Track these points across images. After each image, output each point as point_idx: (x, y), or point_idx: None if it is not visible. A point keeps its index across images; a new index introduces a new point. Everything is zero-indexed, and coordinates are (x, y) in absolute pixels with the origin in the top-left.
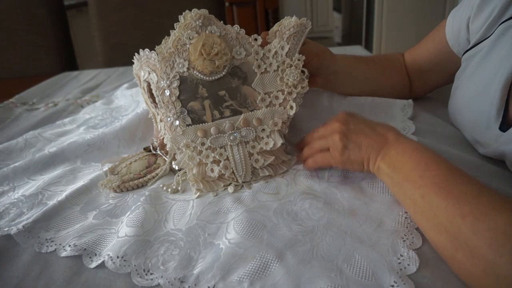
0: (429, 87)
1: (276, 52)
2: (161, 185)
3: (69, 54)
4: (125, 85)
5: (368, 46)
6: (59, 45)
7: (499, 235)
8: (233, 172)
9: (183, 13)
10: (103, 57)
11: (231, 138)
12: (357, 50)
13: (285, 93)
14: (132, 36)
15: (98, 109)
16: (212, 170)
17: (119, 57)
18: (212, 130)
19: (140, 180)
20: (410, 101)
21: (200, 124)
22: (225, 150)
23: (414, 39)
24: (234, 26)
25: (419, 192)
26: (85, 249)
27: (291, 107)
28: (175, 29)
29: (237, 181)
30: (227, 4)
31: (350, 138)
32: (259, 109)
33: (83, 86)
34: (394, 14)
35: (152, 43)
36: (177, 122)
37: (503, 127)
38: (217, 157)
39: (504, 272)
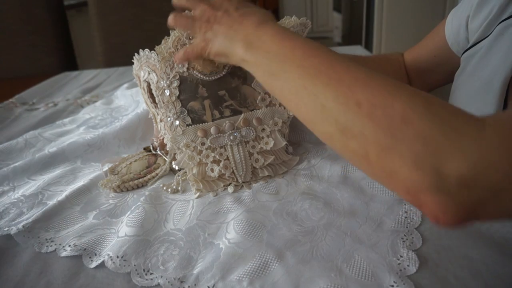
0: (429, 87)
1: None
2: (161, 185)
3: (69, 54)
4: (125, 85)
5: (368, 46)
6: (59, 45)
7: (397, 120)
8: (233, 172)
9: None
10: (103, 57)
11: (231, 137)
12: (357, 50)
13: None
14: (132, 36)
15: (98, 109)
16: (212, 170)
17: (119, 57)
18: (212, 130)
19: (140, 180)
20: None
21: (200, 124)
22: (225, 150)
23: (414, 39)
24: None
25: (300, 83)
26: (85, 249)
27: None
28: (175, 30)
29: (237, 181)
30: None
31: (214, 29)
32: (259, 109)
33: (83, 86)
34: (394, 14)
35: (152, 43)
36: (177, 122)
37: None
38: (217, 157)
39: (399, 156)
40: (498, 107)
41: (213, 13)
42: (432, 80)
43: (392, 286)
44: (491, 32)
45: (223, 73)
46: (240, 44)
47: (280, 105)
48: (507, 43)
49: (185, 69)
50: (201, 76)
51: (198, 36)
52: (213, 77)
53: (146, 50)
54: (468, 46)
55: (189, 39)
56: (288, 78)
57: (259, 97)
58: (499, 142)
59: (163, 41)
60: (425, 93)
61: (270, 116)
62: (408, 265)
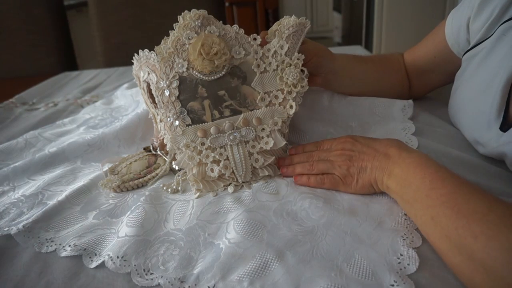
0: (429, 87)
1: (275, 52)
2: (161, 185)
3: (69, 54)
4: (125, 85)
5: (368, 46)
6: (59, 45)
7: None
8: (233, 172)
9: (182, 13)
10: (103, 57)
11: (231, 137)
12: (357, 50)
13: (285, 92)
14: (132, 36)
15: (98, 109)
16: (212, 170)
17: (119, 57)
18: (212, 130)
19: (140, 180)
20: (410, 101)
21: (200, 124)
22: (225, 150)
23: (414, 39)
24: (233, 26)
25: (428, 213)
26: (85, 249)
27: (291, 107)
28: (174, 30)
29: (237, 181)
30: (227, 4)
31: (356, 164)
32: (258, 109)
33: (83, 86)
34: (394, 14)
35: (152, 43)
36: (177, 122)
37: (504, 127)
38: (217, 157)
39: None
40: (499, 108)
41: (351, 153)
42: (432, 80)
43: (393, 285)
44: (493, 33)
45: (223, 73)
46: (386, 172)
47: (279, 104)
48: (508, 44)
49: (184, 69)
50: (201, 76)
51: (338, 172)
52: (212, 77)
53: (146, 50)
54: (470, 47)
55: (189, 39)
56: (418, 207)
57: (258, 97)
58: None
59: (162, 41)
60: None
61: (270, 116)
62: (408, 264)
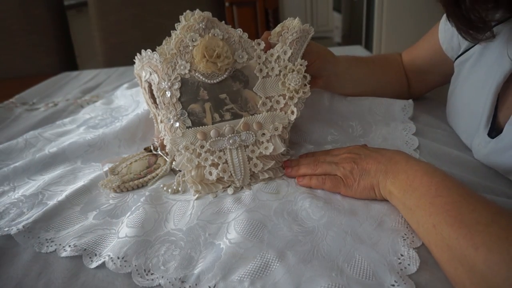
0: (427, 87)
1: (278, 57)
2: (161, 185)
3: (69, 54)
4: (125, 85)
5: (368, 46)
6: (59, 45)
7: None
8: (231, 175)
9: (184, 13)
10: (103, 57)
11: (230, 141)
12: (357, 50)
13: (287, 97)
14: (132, 36)
15: (98, 109)
16: (210, 173)
17: (119, 57)
18: (212, 133)
19: (140, 180)
20: (410, 101)
21: (200, 127)
22: (224, 154)
23: (414, 39)
24: (237, 29)
25: (430, 221)
26: (85, 249)
27: (292, 112)
28: (175, 29)
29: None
30: (227, 4)
31: (360, 167)
32: (259, 113)
33: (83, 86)
34: (394, 14)
35: (152, 43)
36: (177, 124)
37: (492, 134)
38: (215, 160)
39: None
40: (488, 113)
41: (357, 156)
42: (430, 80)
43: (393, 285)
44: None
45: (225, 76)
46: (390, 176)
47: (281, 110)
48: (497, 49)
49: (187, 71)
50: (203, 79)
51: (340, 172)
52: (214, 80)
53: (148, 50)
54: (460, 52)
55: (192, 41)
56: (421, 214)
57: (260, 102)
58: None
59: (164, 42)
60: None
61: (271, 121)
62: (408, 264)
